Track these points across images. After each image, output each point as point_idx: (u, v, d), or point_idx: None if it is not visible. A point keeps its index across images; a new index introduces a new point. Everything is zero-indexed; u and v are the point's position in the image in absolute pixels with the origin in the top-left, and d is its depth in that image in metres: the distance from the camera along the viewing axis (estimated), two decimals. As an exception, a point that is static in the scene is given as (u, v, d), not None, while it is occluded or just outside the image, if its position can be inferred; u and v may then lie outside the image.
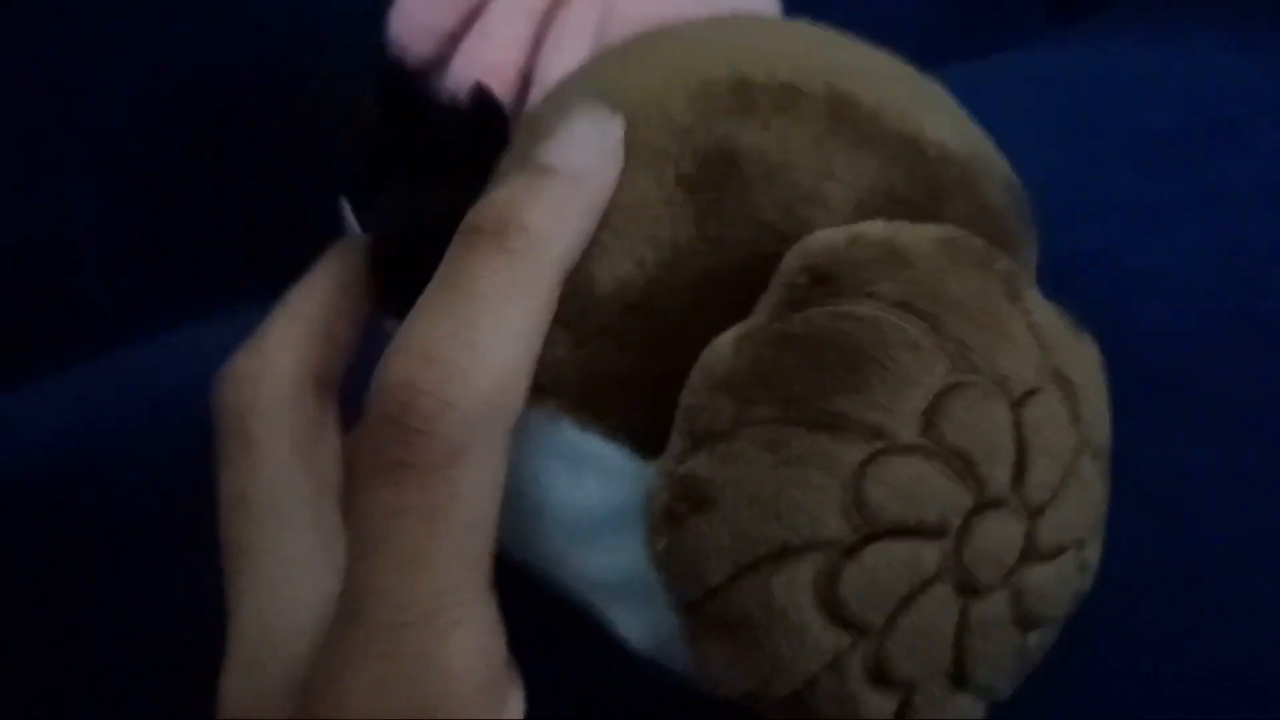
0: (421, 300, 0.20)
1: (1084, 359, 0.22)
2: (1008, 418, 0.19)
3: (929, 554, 0.19)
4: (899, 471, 0.19)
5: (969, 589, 0.19)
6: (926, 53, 0.54)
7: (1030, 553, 0.20)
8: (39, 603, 0.34)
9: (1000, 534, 0.19)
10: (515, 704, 0.21)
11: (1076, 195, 0.41)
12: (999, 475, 0.19)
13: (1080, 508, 0.21)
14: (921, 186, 0.22)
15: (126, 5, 0.43)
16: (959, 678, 0.20)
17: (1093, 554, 0.21)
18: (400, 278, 0.21)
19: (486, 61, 0.36)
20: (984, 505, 0.19)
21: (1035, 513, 0.20)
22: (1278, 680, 0.29)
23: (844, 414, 0.19)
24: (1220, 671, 0.30)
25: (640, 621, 0.22)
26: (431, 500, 0.19)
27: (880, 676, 0.19)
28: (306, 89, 0.40)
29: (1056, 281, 0.39)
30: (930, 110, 0.24)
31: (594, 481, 0.21)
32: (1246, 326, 0.36)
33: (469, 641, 0.19)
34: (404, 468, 0.19)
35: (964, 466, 0.19)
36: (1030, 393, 0.20)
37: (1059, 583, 0.20)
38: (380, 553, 0.19)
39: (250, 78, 0.44)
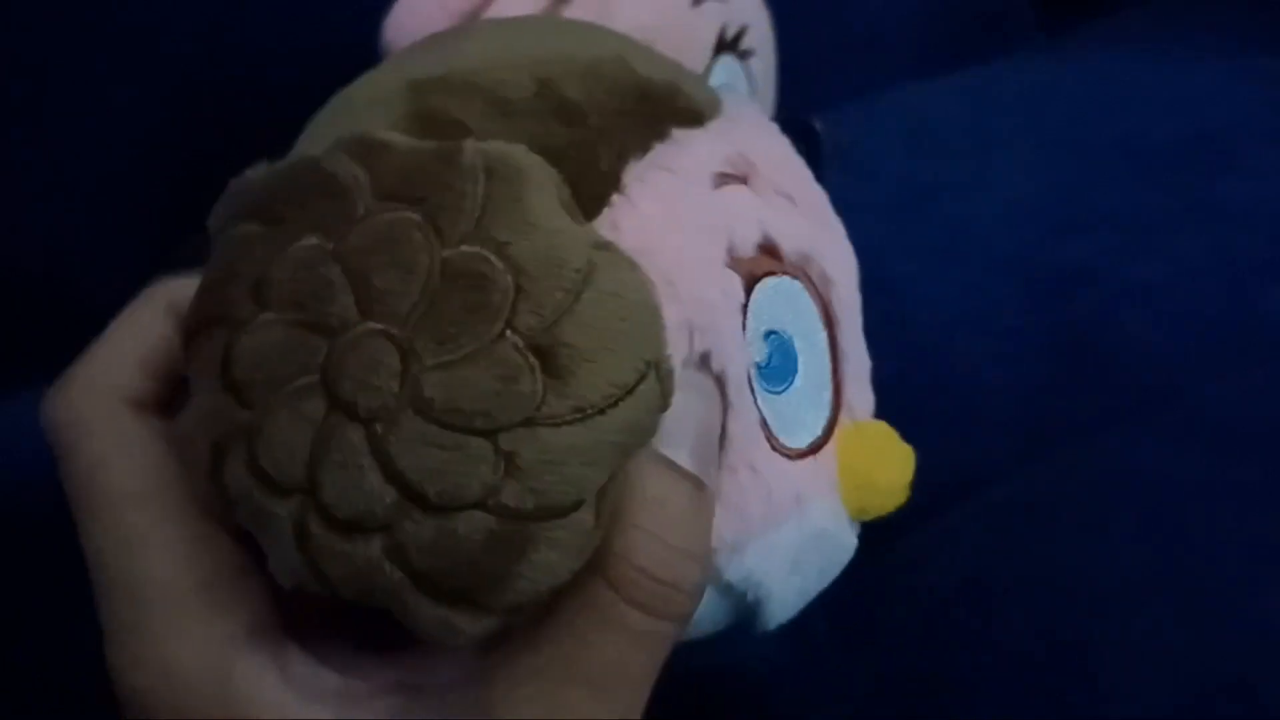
0: None
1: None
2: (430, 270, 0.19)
3: (313, 347, 0.19)
4: (308, 274, 0.19)
5: (339, 405, 0.18)
6: (919, 63, 0.55)
7: (413, 400, 0.18)
8: (39, 605, 0.34)
9: (375, 357, 0.18)
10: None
11: (1066, 209, 0.41)
12: (397, 306, 0.18)
13: (486, 390, 0.18)
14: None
15: (128, 7, 0.43)
16: (316, 498, 0.19)
17: (522, 463, 0.18)
18: None
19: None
20: (369, 327, 0.18)
21: (420, 362, 0.18)
22: (1271, 689, 0.30)
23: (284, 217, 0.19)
24: (1216, 681, 0.30)
25: None
26: None
27: (256, 468, 0.19)
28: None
29: (1048, 294, 0.39)
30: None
31: None
32: (1234, 339, 0.36)
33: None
34: None
35: (365, 286, 0.19)
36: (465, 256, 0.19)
37: (443, 462, 0.18)
38: None
39: (252, 79, 0.44)
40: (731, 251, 0.22)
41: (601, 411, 0.18)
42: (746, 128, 0.24)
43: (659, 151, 0.22)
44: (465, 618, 0.19)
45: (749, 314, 0.22)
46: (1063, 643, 0.30)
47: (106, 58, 0.43)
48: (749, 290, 0.22)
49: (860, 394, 0.25)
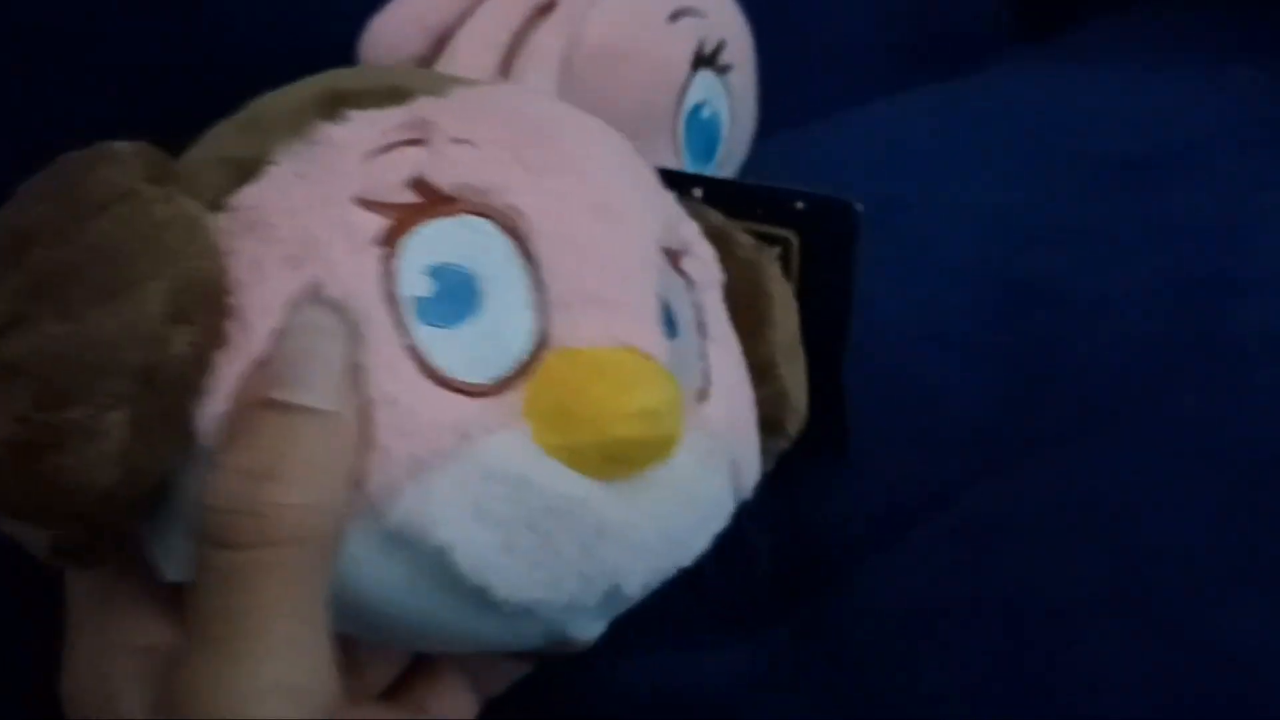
0: None
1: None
2: None
3: None
4: None
5: None
6: (891, 78, 0.55)
7: None
8: (38, 603, 0.34)
9: None
10: None
11: (1028, 223, 0.41)
12: None
13: None
14: None
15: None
16: None
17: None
18: None
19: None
20: None
21: None
22: (1236, 708, 0.30)
23: None
24: (1179, 701, 0.30)
25: None
26: None
27: None
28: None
29: (1005, 309, 0.40)
30: None
31: None
32: (1196, 353, 0.37)
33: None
34: None
35: None
36: None
37: None
38: None
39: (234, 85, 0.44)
40: (366, 196, 0.23)
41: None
42: (458, 99, 0.26)
43: (324, 130, 0.24)
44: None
45: (403, 251, 0.23)
46: (1022, 660, 0.31)
47: (103, 56, 0.43)
48: (402, 230, 0.23)
49: (588, 323, 0.23)
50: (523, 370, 0.23)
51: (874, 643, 0.32)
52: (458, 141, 0.24)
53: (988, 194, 0.44)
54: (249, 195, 0.23)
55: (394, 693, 0.28)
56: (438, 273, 0.23)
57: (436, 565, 0.22)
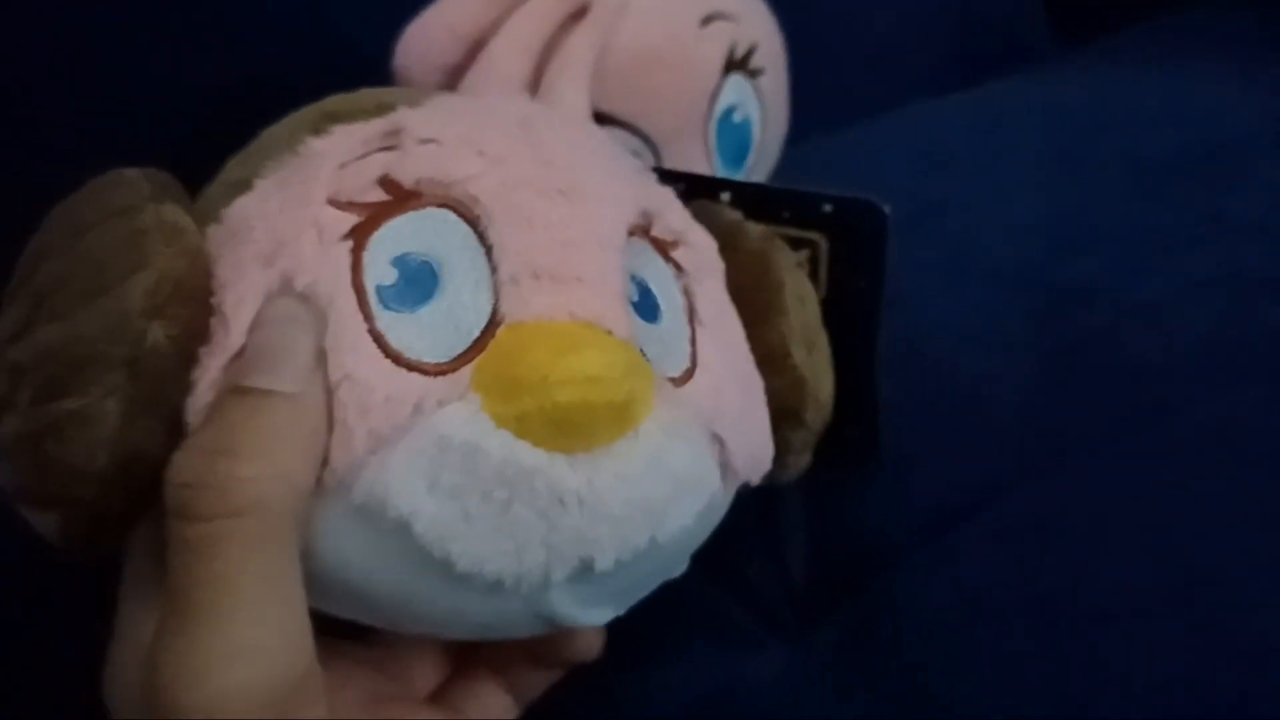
0: None
1: None
2: None
3: None
4: None
5: None
6: (933, 79, 0.55)
7: None
8: (39, 604, 0.35)
9: None
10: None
11: (1072, 226, 0.41)
12: None
13: None
14: None
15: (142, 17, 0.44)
16: None
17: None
18: None
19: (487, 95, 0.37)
20: None
21: None
22: (1273, 707, 0.29)
23: None
24: (1218, 699, 0.30)
25: None
26: None
27: None
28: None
29: (1054, 311, 0.39)
30: None
31: None
32: (1239, 354, 0.36)
33: None
34: None
35: None
36: None
37: None
38: None
39: (261, 91, 0.44)
40: (337, 197, 0.25)
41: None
42: (432, 106, 0.27)
43: (307, 143, 0.26)
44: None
45: (370, 245, 0.24)
46: (1065, 660, 0.30)
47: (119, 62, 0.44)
48: (372, 226, 0.25)
49: (539, 299, 0.24)
50: (476, 347, 0.24)
51: (916, 644, 0.32)
52: (424, 141, 0.26)
53: (1030, 196, 0.44)
54: (236, 206, 0.25)
55: (434, 698, 0.29)
56: (400, 262, 0.24)
57: (403, 538, 0.23)
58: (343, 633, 0.26)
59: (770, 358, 0.29)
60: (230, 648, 0.21)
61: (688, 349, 0.27)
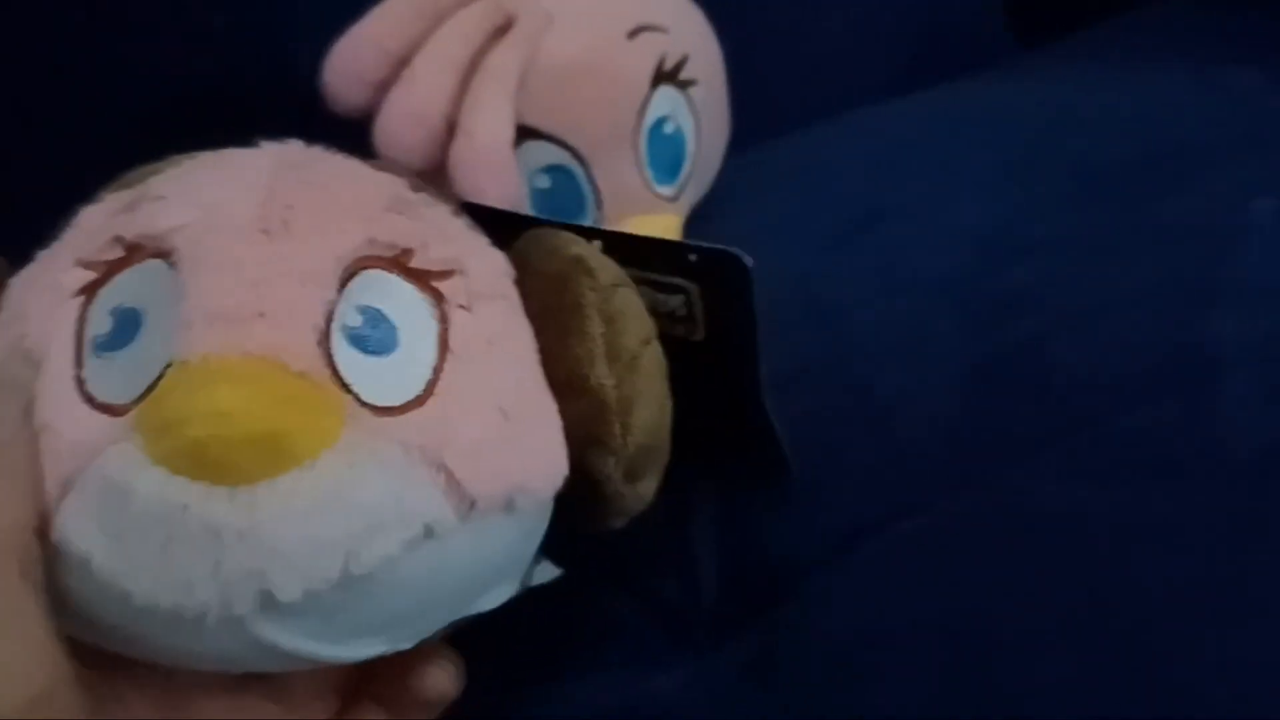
0: None
1: None
2: None
3: None
4: None
5: None
6: (891, 82, 0.55)
7: None
8: None
9: None
10: None
11: (1010, 234, 0.40)
12: None
13: None
14: None
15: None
16: None
17: None
18: None
19: (412, 110, 0.37)
20: None
21: None
22: None
23: None
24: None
25: None
26: None
27: None
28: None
29: (982, 322, 0.39)
30: None
31: None
32: (1168, 364, 0.36)
33: None
34: None
35: None
36: None
37: None
38: None
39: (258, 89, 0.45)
40: (84, 258, 0.27)
41: None
42: (183, 168, 0.30)
43: (79, 211, 0.29)
44: None
45: (97, 299, 0.27)
46: (969, 682, 0.30)
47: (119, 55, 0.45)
48: (104, 282, 0.27)
49: (209, 337, 0.25)
50: (151, 388, 0.25)
51: (820, 665, 0.32)
52: (154, 199, 0.28)
53: (973, 203, 0.43)
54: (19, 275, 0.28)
55: None
56: (115, 312, 0.27)
57: (92, 577, 0.25)
58: None
59: (569, 380, 0.28)
60: None
61: (426, 377, 0.27)
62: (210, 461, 0.24)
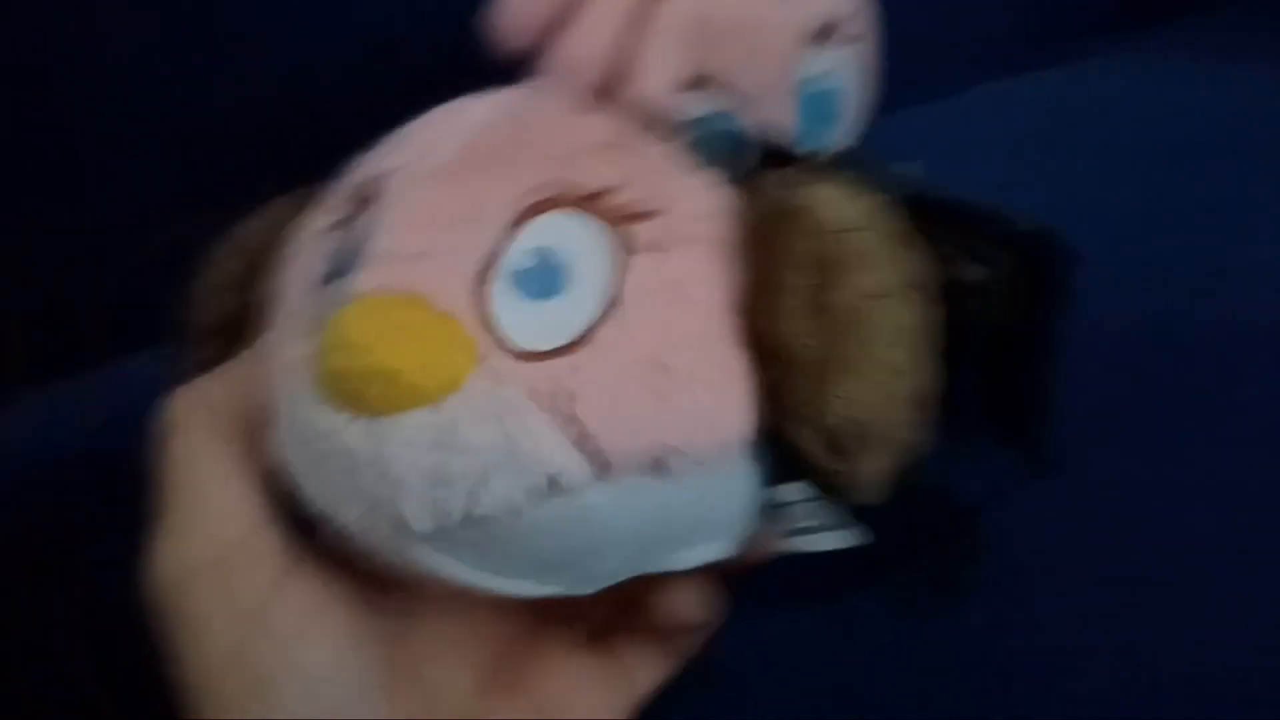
0: None
1: None
2: None
3: None
4: None
5: None
6: (999, 65, 0.55)
7: None
8: (38, 603, 0.36)
9: None
10: None
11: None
12: None
13: None
14: None
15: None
16: None
17: None
18: None
19: (579, 56, 0.37)
20: None
21: None
22: (1235, 684, 0.30)
23: None
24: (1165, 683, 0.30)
25: None
26: None
27: None
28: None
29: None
30: None
31: None
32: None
33: None
34: None
35: None
36: None
37: None
38: None
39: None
40: (329, 206, 0.30)
41: None
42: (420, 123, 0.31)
43: None
44: None
45: (329, 241, 0.30)
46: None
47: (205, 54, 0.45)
48: (339, 226, 0.30)
49: (378, 275, 0.27)
50: None
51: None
52: (386, 146, 0.30)
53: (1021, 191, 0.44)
54: None
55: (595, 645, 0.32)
56: (333, 254, 0.29)
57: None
58: None
59: (762, 336, 0.26)
60: (166, 526, 0.28)
61: (585, 324, 0.26)
62: (345, 391, 0.25)
